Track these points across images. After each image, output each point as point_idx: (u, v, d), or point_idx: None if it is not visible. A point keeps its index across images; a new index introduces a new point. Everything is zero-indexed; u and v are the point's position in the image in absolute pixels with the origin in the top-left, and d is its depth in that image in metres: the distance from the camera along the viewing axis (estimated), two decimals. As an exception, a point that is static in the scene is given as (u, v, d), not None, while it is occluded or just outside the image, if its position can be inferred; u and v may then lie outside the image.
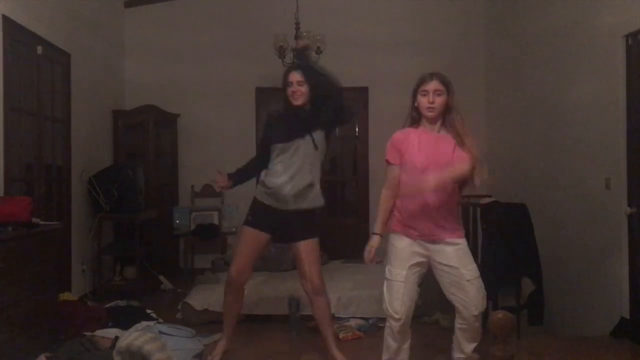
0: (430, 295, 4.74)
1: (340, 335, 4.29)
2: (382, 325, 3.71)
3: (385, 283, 3.11)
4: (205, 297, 4.81)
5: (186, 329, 4.21)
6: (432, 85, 3.02)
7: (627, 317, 4.13)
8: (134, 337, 3.21)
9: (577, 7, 4.86)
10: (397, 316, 3.06)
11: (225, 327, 3.84)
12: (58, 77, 5.21)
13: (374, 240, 3.10)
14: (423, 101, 3.03)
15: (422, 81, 3.06)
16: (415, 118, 3.13)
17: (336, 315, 4.65)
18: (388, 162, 3.10)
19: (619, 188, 4.25)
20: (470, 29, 7.13)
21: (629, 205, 4.17)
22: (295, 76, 3.53)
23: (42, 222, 3.88)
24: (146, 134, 6.61)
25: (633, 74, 4.17)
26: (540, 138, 5.48)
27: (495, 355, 3.56)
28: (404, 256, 3.06)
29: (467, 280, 3.01)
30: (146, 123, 6.60)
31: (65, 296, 4.69)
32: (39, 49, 4.74)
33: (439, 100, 3.02)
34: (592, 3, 4.64)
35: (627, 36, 4.18)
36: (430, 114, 3.03)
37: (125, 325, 4.24)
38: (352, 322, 4.56)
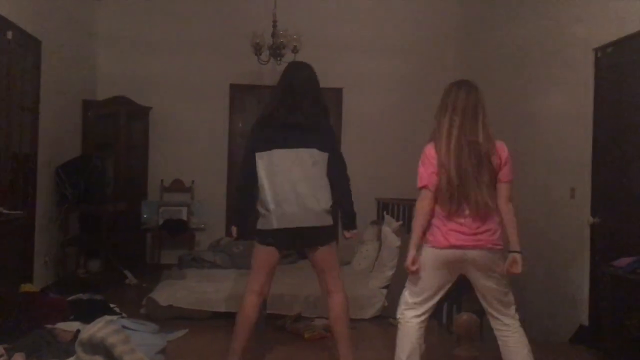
0: (397, 297, 4.79)
1: (306, 335, 4.30)
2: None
3: None
4: (170, 293, 4.77)
5: (150, 324, 4.16)
6: None
7: (586, 324, 4.23)
8: (97, 328, 3.16)
9: (549, 19, 4.96)
10: None
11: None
12: (28, 64, 5.10)
13: None
14: None
15: None
16: None
17: (303, 315, 4.66)
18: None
19: (583, 198, 4.35)
20: (443, 34, 7.22)
21: (592, 215, 4.28)
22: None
23: (5, 211, 3.80)
24: (117, 125, 6.52)
25: (601, 87, 4.27)
26: (508, 146, 5.55)
27: (459, 355, 3.62)
28: None
29: None
30: (117, 114, 6.51)
31: (26, 287, 4.58)
32: (9, 34, 4.64)
33: None
34: (563, 16, 4.74)
35: (596, 49, 4.28)
36: None
37: (88, 319, 4.14)
38: (319, 322, 4.57)
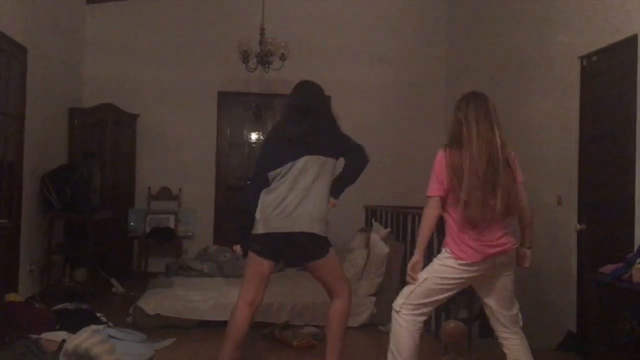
0: (386, 304, 4.79)
1: (294, 343, 4.28)
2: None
3: None
4: (157, 302, 4.73)
5: (137, 333, 4.13)
6: None
7: (574, 331, 4.24)
8: (82, 338, 3.13)
9: (535, 28, 5.01)
10: None
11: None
12: (14, 71, 5.07)
13: None
14: None
15: None
16: None
17: (291, 323, 4.64)
18: None
19: (570, 205, 4.38)
20: (431, 43, 7.27)
21: (579, 221, 4.30)
22: None
23: (-10, 219, 3.76)
24: (104, 133, 6.49)
25: (586, 95, 4.31)
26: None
27: (446, 363, 3.61)
28: None
29: None
30: (104, 122, 6.48)
31: (11, 297, 4.54)
32: (-5, 41, 4.61)
33: None
34: (549, 25, 4.78)
35: (581, 57, 4.33)
36: None
37: (74, 328, 4.10)
38: (306, 330, 4.55)
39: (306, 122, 3.30)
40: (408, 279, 2.97)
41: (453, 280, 2.90)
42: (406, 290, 2.96)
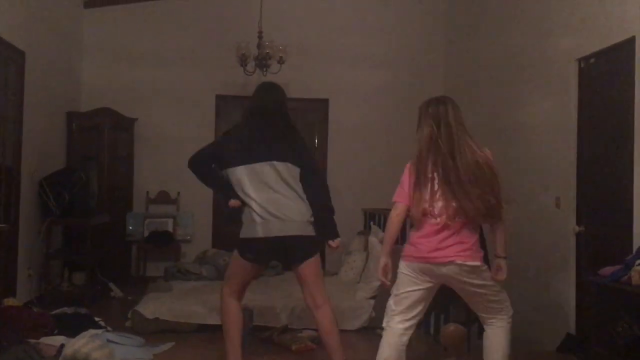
0: (384, 307, 4.78)
1: (293, 347, 4.28)
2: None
3: None
4: (156, 306, 4.72)
5: (135, 337, 4.12)
6: None
7: (573, 333, 4.24)
8: (81, 344, 3.12)
9: (533, 30, 5.02)
10: None
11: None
12: (11, 75, 5.06)
13: None
14: None
15: None
16: None
17: (289, 327, 4.63)
18: None
19: (569, 207, 4.38)
20: (429, 45, 7.28)
21: (578, 223, 4.30)
22: None
23: (-12, 224, 3.74)
24: (102, 137, 6.48)
25: (585, 97, 4.32)
26: (494, 156, 5.59)
27: (446, 366, 3.60)
28: None
29: None
30: (102, 126, 6.47)
31: (9, 302, 4.53)
32: (-8, 46, 4.61)
33: None
34: (547, 27, 4.79)
35: (579, 60, 4.33)
36: None
37: (72, 333, 4.10)
38: (305, 334, 4.54)
39: (265, 123, 3.37)
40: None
41: None
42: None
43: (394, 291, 2.99)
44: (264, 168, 3.29)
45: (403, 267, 2.97)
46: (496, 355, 2.99)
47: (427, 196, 2.87)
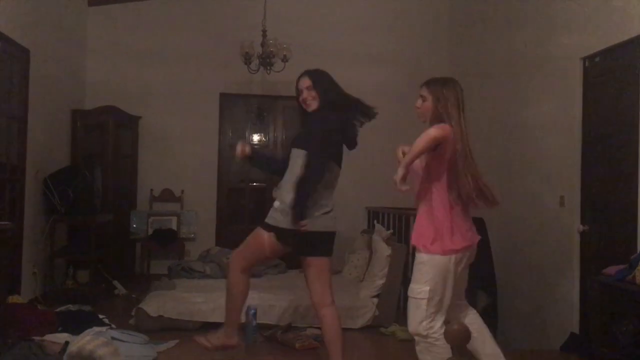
0: (388, 306, 4.78)
1: (297, 345, 4.28)
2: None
3: None
4: (160, 304, 4.73)
5: (139, 335, 4.13)
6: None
7: (577, 332, 4.24)
8: (86, 341, 3.13)
9: (537, 30, 5.00)
10: None
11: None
12: (16, 73, 5.07)
13: None
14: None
15: None
16: None
17: (293, 325, 4.64)
18: None
19: (573, 206, 4.37)
20: (433, 44, 7.27)
21: (582, 222, 4.30)
22: (304, 82, 3.47)
23: (-7, 222, 3.76)
24: (106, 135, 6.49)
25: (589, 96, 4.31)
26: (499, 155, 5.60)
27: (450, 366, 3.59)
28: None
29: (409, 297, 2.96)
30: (106, 124, 6.48)
31: (14, 299, 4.54)
32: (-3, 44, 4.62)
33: (424, 106, 3.08)
34: (551, 26, 4.78)
35: (584, 59, 4.33)
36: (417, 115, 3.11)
37: (77, 330, 4.12)
38: (309, 332, 4.55)
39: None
40: None
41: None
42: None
43: (432, 301, 2.84)
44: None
45: (449, 262, 2.81)
46: (489, 337, 2.98)
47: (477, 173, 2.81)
